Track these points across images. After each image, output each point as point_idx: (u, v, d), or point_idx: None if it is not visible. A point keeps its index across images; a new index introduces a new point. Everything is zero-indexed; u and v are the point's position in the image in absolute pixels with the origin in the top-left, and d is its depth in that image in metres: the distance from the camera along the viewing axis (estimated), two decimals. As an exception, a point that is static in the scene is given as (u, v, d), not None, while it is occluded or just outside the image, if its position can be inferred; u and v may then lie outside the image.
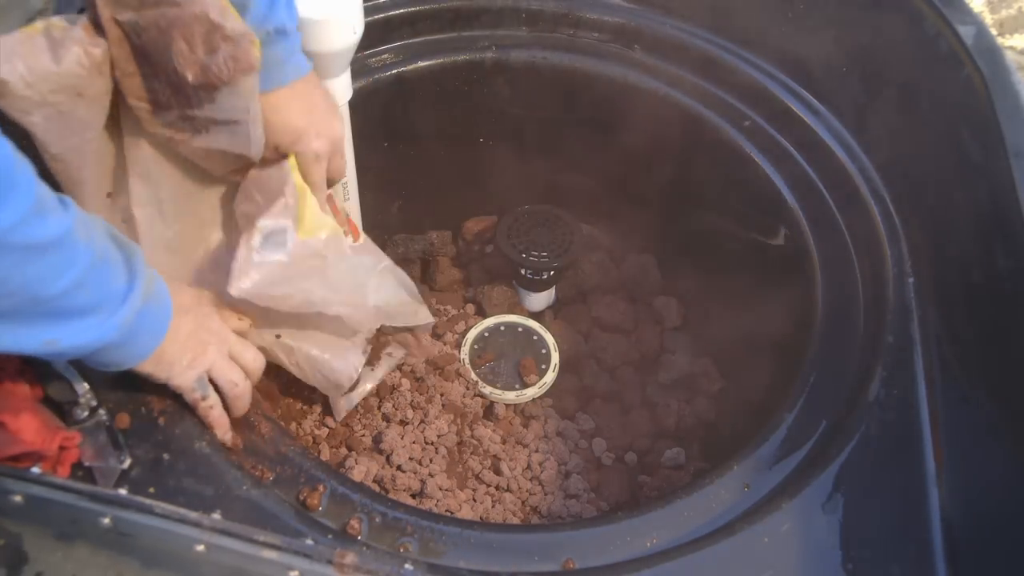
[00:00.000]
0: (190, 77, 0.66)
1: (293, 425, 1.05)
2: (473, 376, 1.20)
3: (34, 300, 0.56)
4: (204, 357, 0.73)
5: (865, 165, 1.00)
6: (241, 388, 0.75)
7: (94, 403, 0.73)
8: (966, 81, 0.83)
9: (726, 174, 1.11)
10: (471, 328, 1.29)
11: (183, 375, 0.71)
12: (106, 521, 0.48)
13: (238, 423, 0.76)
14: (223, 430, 0.74)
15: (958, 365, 0.79)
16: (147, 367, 0.69)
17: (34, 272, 0.55)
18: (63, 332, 0.59)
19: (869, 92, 1.01)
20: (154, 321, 0.68)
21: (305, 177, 0.81)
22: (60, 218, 0.56)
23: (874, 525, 0.69)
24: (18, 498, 0.49)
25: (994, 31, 2.26)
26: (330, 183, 0.86)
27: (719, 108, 1.12)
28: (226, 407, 0.75)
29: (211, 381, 0.73)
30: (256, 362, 0.78)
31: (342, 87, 0.93)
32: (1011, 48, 2.24)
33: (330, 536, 0.67)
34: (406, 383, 1.14)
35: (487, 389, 1.20)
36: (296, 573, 0.49)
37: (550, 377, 1.23)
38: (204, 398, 0.72)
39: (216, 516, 0.65)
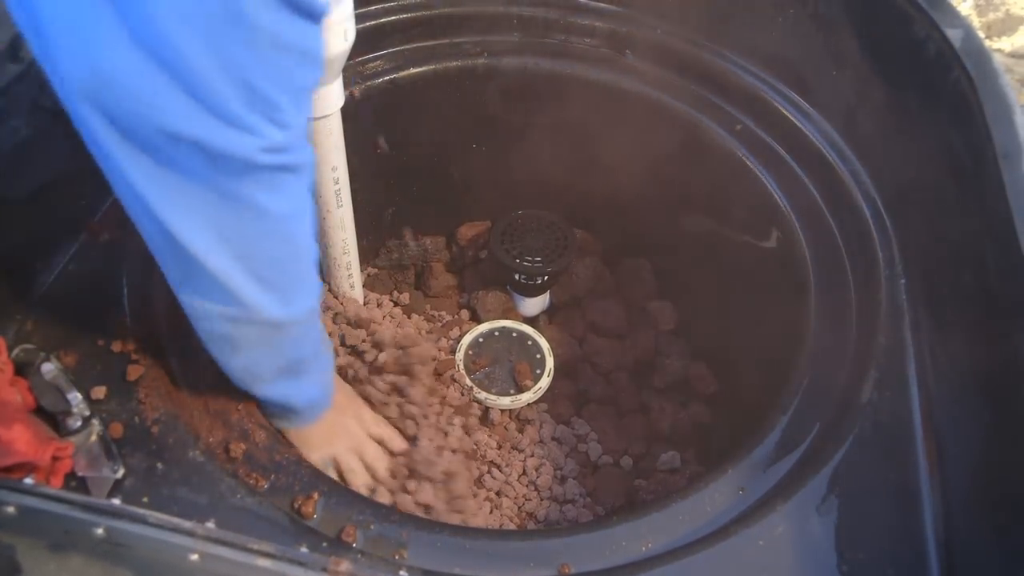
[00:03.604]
0: None
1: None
2: (468, 382, 1.20)
3: (300, 360, 0.74)
4: (330, 448, 0.87)
5: (856, 167, 1.00)
6: (360, 479, 0.88)
7: (87, 413, 0.73)
8: (954, 84, 0.84)
9: (718, 178, 1.12)
10: (465, 334, 1.29)
11: (310, 455, 0.84)
12: (100, 531, 0.48)
13: (234, 431, 0.76)
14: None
15: (950, 366, 0.79)
16: (291, 436, 0.84)
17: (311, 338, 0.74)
18: (300, 388, 0.77)
19: (859, 95, 1.01)
20: (318, 406, 0.83)
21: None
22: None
23: (868, 527, 0.69)
24: (11, 509, 0.48)
25: (982, 34, 2.28)
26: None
27: (711, 113, 1.12)
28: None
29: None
30: (377, 460, 0.90)
31: (334, 94, 0.93)
32: (999, 51, 2.26)
33: (325, 544, 0.66)
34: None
35: (482, 394, 1.19)
36: (291, 581, 0.48)
37: (545, 382, 1.23)
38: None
39: (210, 525, 0.65)
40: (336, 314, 1.24)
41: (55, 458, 0.68)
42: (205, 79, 0.48)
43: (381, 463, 0.91)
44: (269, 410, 0.81)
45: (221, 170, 0.53)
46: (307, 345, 0.74)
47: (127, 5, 0.45)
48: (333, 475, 0.86)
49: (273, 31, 0.49)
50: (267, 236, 0.60)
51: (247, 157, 0.53)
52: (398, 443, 0.95)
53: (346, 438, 0.89)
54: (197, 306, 0.64)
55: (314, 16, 0.52)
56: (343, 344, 1.16)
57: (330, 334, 1.21)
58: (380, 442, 0.93)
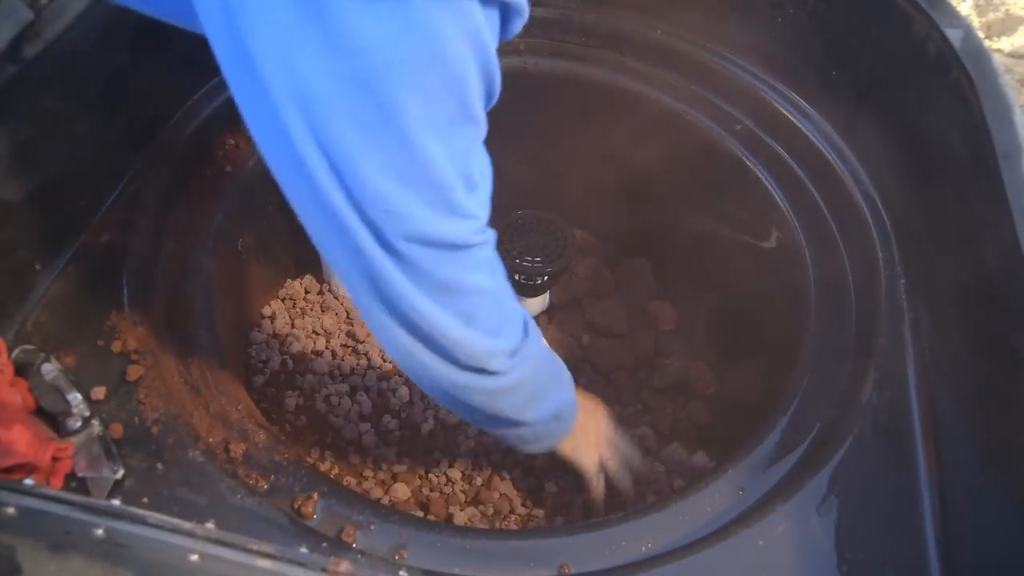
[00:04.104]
0: None
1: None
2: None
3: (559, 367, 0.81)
4: (599, 449, 0.94)
5: (855, 168, 1.00)
6: (624, 481, 0.96)
7: (87, 414, 0.73)
8: (954, 84, 0.84)
9: (718, 178, 1.12)
10: (465, 334, 1.29)
11: (584, 459, 0.92)
12: (100, 532, 0.48)
13: (234, 431, 0.76)
14: (598, 497, 0.96)
15: (949, 366, 0.79)
16: (567, 450, 0.89)
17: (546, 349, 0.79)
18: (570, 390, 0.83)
19: (859, 95, 1.01)
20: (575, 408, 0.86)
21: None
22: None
23: (868, 526, 0.69)
24: (11, 510, 0.48)
25: (981, 34, 2.27)
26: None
27: (711, 113, 1.12)
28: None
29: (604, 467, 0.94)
30: (632, 455, 0.98)
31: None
32: (998, 51, 2.25)
33: (325, 544, 0.67)
34: (404, 391, 1.14)
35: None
36: (291, 582, 0.48)
37: (545, 382, 1.23)
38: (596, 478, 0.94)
39: (210, 525, 0.65)
40: (337, 313, 1.24)
41: (55, 459, 0.68)
42: (444, 177, 0.55)
43: (636, 456, 0.99)
44: (542, 439, 0.83)
45: (448, 259, 0.60)
46: (548, 354, 0.80)
47: (392, 142, 0.52)
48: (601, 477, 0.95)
49: (482, 123, 0.58)
50: (488, 306, 0.66)
51: (467, 240, 0.60)
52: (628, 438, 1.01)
53: (606, 442, 0.95)
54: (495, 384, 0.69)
55: (493, 100, 0.59)
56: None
57: (330, 333, 1.21)
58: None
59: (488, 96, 0.57)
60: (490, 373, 0.68)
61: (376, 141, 0.52)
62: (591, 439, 0.93)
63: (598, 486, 0.95)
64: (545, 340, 0.82)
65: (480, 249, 0.62)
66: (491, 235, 0.63)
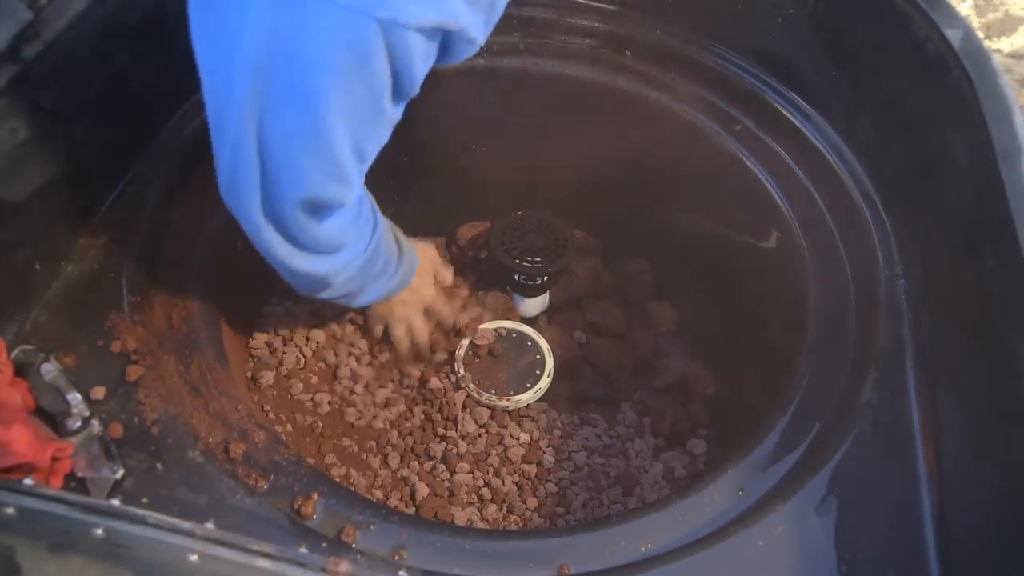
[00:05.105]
0: None
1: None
2: (470, 384, 1.20)
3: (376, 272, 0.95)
4: (387, 315, 1.11)
5: (855, 168, 1.01)
6: (402, 345, 1.15)
7: (87, 413, 0.73)
8: (954, 84, 0.84)
9: (718, 178, 1.12)
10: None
11: (371, 314, 1.12)
12: (99, 532, 0.48)
13: (235, 431, 0.76)
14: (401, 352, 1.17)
15: (949, 366, 0.79)
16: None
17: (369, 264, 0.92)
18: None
19: (858, 96, 1.01)
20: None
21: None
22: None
23: (868, 527, 0.69)
24: (11, 510, 0.48)
25: (981, 34, 2.27)
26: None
27: (711, 113, 1.12)
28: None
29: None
30: (421, 333, 1.15)
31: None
32: (998, 51, 2.25)
33: (324, 544, 0.67)
34: (401, 390, 1.14)
35: (482, 395, 1.19)
36: (290, 582, 0.48)
37: (545, 382, 1.23)
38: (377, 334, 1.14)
39: (210, 525, 0.65)
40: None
41: (54, 459, 0.68)
42: (341, 153, 0.69)
43: (423, 335, 1.15)
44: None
45: (315, 217, 0.76)
46: (370, 267, 0.93)
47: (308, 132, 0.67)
48: (379, 330, 1.12)
49: (392, 114, 0.72)
50: (337, 238, 0.82)
51: (343, 201, 0.76)
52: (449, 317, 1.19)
53: (401, 310, 1.10)
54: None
55: (409, 98, 0.72)
56: None
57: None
58: (436, 317, 1.16)
59: (404, 95, 0.71)
60: (326, 283, 0.85)
61: (291, 113, 0.65)
62: (402, 308, 1.09)
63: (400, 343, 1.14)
64: (394, 240, 0.99)
65: (349, 207, 0.79)
66: (361, 195, 0.83)
